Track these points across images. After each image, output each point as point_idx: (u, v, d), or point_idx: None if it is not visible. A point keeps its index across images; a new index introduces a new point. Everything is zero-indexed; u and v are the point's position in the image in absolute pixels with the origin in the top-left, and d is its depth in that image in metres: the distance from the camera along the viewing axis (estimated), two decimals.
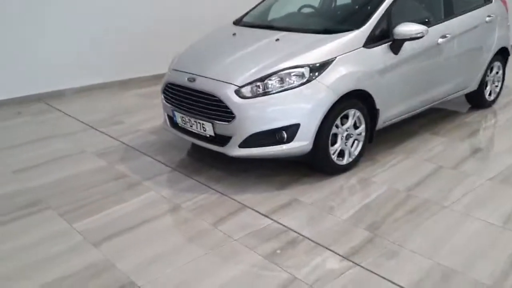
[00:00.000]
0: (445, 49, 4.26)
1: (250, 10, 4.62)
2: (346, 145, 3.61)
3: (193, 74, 3.57)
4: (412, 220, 2.96)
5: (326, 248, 2.67)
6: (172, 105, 3.74)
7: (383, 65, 3.67)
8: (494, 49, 4.93)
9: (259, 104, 3.26)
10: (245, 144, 3.32)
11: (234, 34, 4.06)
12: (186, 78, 3.58)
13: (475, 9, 4.72)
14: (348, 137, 3.59)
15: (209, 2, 7.03)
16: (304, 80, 3.29)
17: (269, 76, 3.29)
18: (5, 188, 3.49)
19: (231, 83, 3.32)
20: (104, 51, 6.23)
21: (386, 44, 3.71)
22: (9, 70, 5.53)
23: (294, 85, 3.28)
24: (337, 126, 3.48)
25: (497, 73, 5.22)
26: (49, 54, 5.79)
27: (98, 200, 3.28)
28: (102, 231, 2.89)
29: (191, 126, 3.59)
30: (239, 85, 3.29)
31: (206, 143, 3.53)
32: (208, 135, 3.49)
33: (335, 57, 3.42)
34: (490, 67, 5.04)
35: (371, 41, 3.64)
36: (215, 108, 3.36)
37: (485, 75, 4.98)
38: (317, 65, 3.35)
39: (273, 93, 3.27)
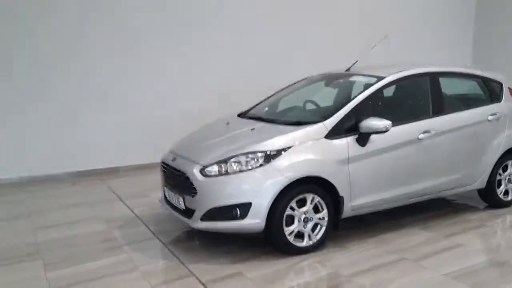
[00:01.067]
0: (430, 145, 4.36)
1: (259, 103, 5.17)
2: (305, 227, 3.82)
3: (176, 154, 4.18)
4: None
5: None
6: (163, 181, 4.34)
7: (347, 156, 3.93)
8: (502, 148, 4.85)
9: (218, 182, 3.71)
10: (205, 217, 3.74)
11: (227, 124, 4.64)
12: (171, 158, 4.19)
13: (474, 108, 4.78)
14: (306, 220, 3.82)
15: None
16: (258, 164, 3.70)
17: (230, 158, 3.76)
18: (19, 239, 4.27)
19: (197, 163, 3.85)
20: (164, 133, 6.85)
21: (353, 136, 3.99)
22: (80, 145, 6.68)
23: (249, 168, 3.69)
24: (292, 209, 3.75)
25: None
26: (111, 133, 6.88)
27: (79, 256, 3.87)
28: (67, 280, 3.44)
29: (172, 200, 4.12)
30: (204, 165, 3.79)
31: (180, 216, 4.01)
32: (181, 208, 3.98)
33: (291, 146, 3.80)
34: (502, 166, 4.92)
35: (336, 133, 3.96)
36: (184, 183, 3.88)
37: (494, 173, 4.86)
38: (273, 151, 3.75)
39: (231, 174, 3.70)
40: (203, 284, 3.34)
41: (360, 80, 4.55)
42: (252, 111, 4.91)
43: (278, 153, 3.76)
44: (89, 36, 6.59)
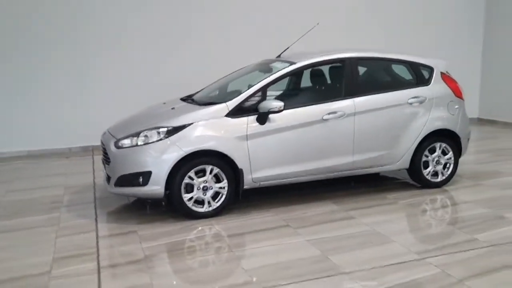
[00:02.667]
0: (337, 125, 4.67)
1: (204, 88, 5.68)
2: (204, 195, 4.34)
3: (108, 131, 4.83)
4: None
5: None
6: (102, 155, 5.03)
7: (245, 133, 4.37)
8: (426, 130, 5.02)
9: (126, 153, 4.32)
10: (117, 183, 4.37)
11: (164, 103, 5.21)
12: (102, 134, 4.86)
13: (394, 91, 4.98)
14: (205, 188, 4.33)
15: None
16: (161, 137, 4.26)
17: (140, 133, 4.34)
18: None
19: (114, 136, 4.48)
20: None
21: (254, 116, 4.42)
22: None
23: (153, 141, 4.26)
24: (191, 178, 4.27)
25: (444, 155, 5.18)
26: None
27: (23, 212, 4.66)
28: (4, 228, 4.23)
29: (104, 170, 4.80)
30: (117, 138, 4.42)
31: (105, 182, 4.68)
32: (105, 176, 4.64)
33: (192, 123, 4.31)
34: (428, 148, 5.09)
35: (237, 112, 4.41)
36: (105, 154, 4.54)
37: (418, 155, 5.04)
38: (175, 127, 4.28)
39: (137, 146, 4.29)
40: (97, 237, 3.99)
41: (277, 66, 4.92)
42: (195, 95, 5.44)
43: (179, 128, 4.29)
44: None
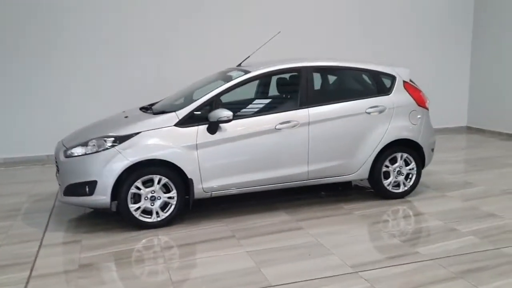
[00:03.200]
0: (290, 135, 4.63)
1: (166, 98, 5.65)
2: (152, 205, 4.32)
3: (61, 141, 4.83)
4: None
5: None
6: None
7: (195, 142, 4.35)
8: (385, 140, 4.94)
9: (73, 162, 4.32)
10: (66, 193, 4.38)
11: (123, 112, 5.22)
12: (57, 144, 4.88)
13: (351, 100, 4.92)
14: (153, 198, 4.31)
15: None
16: (107, 146, 4.25)
17: (88, 142, 4.35)
18: None
19: (64, 146, 4.50)
20: None
21: (204, 125, 4.40)
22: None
23: (99, 150, 4.26)
24: (138, 188, 4.26)
25: (406, 165, 5.10)
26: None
27: None
28: None
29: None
30: (67, 147, 4.44)
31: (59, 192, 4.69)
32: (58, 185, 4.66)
33: (140, 132, 4.31)
34: (389, 158, 5.01)
35: (187, 121, 4.40)
36: (57, 164, 4.56)
37: (377, 165, 4.97)
38: (121, 136, 4.28)
39: (86, 155, 4.30)
40: (40, 246, 3.99)
41: (234, 75, 4.90)
42: (155, 104, 5.43)
43: (126, 138, 4.28)
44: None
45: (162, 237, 4.17)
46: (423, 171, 5.29)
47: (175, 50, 7.84)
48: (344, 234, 4.19)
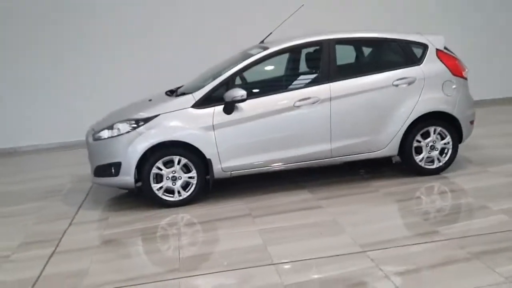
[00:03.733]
0: (310, 112, 4.51)
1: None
2: (174, 185, 4.43)
3: (90, 127, 5.04)
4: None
5: None
6: None
7: (211, 123, 4.37)
8: (415, 113, 4.66)
9: (100, 145, 4.52)
10: (95, 174, 4.61)
11: (150, 100, 5.34)
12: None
13: (377, 73, 4.68)
14: (174, 178, 4.42)
15: None
16: (130, 129, 4.40)
17: (113, 125, 4.53)
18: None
19: (93, 129, 4.72)
20: None
21: (220, 106, 4.41)
22: None
23: (123, 132, 4.42)
24: (160, 168, 4.38)
25: (441, 139, 4.80)
26: None
27: (18, 200, 5.09)
28: None
29: None
30: (95, 131, 4.65)
31: None
32: None
33: (159, 114, 4.41)
34: (420, 132, 4.74)
35: (204, 102, 4.43)
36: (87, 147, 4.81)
37: (408, 140, 4.72)
38: (143, 118, 4.41)
39: (112, 137, 4.48)
40: (69, 224, 4.25)
41: (254, 52, 4.83)
42: (180, 87, 5.49)
43: (147, 120, 4.40)
44: None
45: (182, 215, 4.28)
46: (465, 145, 4.95)
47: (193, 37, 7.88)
48: (364, 213, 4.06)
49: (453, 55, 4.91)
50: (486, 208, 3.88)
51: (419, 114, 4.69)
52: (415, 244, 3.33)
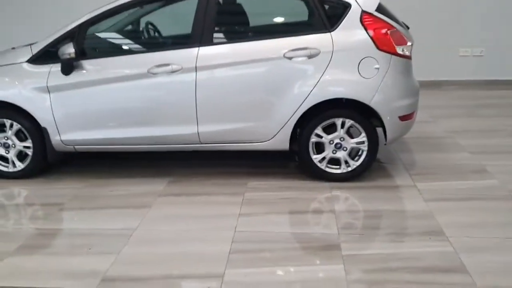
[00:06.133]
0: (170, 82, 3.49)
1: None
2: (7, 153, 3.77)
3: None
4: None
5: None
6: None
7: (45, 84, 3.56)
8: (312, 98, 3.44)
9: None
10: None
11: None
12: None
13: (268, 38, 3.48)
14: (8, 145, 3.75)
15: None
16: None
17: None
18: None
19: None
20: None
21: (59, 64, 3.56)
22: None
23: None
24: None
25: (352, 137, 3.55)
26: None
27: None
28: None
29: None
30: None
31: None
32: None
33: None
34: (322, 125, 3.53)
35: (41, 58, 3.62)
36: None
37: (305, 134, 3.54)
38: None
39: None
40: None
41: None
42: None
43: None
44: None
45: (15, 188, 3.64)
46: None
47: None
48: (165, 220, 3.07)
49: (387, 21, 3.48)
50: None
51: (319, 100, 3.44)
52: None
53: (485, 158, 4.03)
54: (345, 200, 3.36)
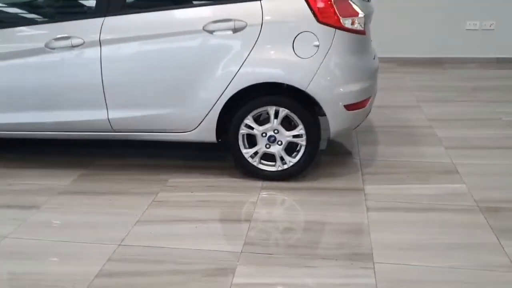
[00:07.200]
0: (71, 59, 2.95)
1: None
2: None
3: None
4: None
5: None
6: None
7: None
8: (238, 82, 2.83)
9: None
10: None
11: None
12: None
13: (185, 7, 2.88)
14: None
15: None
16: None
17: None
18: None
19: None
20: None
21: None
22: None
23: None
24: None
25: (292, 128, 2.95)
26: None
27: None
28: None
29: None
30: None
31: None
32: None
33: None
34: (252, 113, 2.94)
35: None
36: None
37: (235, 124, 2.97)
38: None
39: None
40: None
41: None
42: None
43: None
44: None
45: None
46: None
47: None
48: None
49: None
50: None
51: (247, 84, 2.84)
52: None
53: (460, 155, 3.37)
54: (270, 206, 2.78)
